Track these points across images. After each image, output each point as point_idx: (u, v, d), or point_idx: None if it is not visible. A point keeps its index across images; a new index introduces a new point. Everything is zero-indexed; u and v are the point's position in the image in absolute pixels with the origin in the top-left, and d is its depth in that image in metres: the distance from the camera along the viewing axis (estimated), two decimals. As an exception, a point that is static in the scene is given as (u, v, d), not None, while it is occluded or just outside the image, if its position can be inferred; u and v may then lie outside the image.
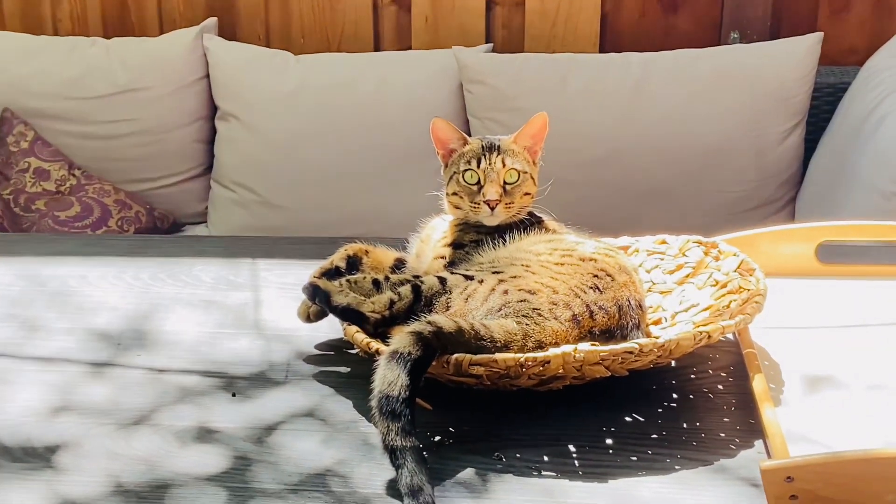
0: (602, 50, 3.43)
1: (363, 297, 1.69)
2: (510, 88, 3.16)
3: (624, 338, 1.64)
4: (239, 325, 1.90)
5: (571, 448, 1.53)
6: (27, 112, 3.31)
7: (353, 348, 1.71)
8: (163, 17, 3.55)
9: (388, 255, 1.92)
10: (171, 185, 3.35)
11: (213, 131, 3.36)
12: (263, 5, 3.51)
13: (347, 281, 1.75)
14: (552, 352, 1.52)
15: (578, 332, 1.60)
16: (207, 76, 3.33)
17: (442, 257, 1.82)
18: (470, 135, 3.27)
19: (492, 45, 3.33)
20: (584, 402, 1.60)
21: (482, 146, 1.85)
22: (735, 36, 3.37)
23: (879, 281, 1.95)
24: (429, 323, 1.55)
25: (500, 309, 1.60)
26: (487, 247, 1.80)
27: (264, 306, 1.97)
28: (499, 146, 1.84)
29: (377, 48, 3.53)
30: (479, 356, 1.53)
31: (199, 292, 2.02)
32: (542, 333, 1.58)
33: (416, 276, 1.75)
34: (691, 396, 1.65)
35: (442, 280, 1.68)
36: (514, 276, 1.66)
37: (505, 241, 1.80)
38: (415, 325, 1.55)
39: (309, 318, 1.79)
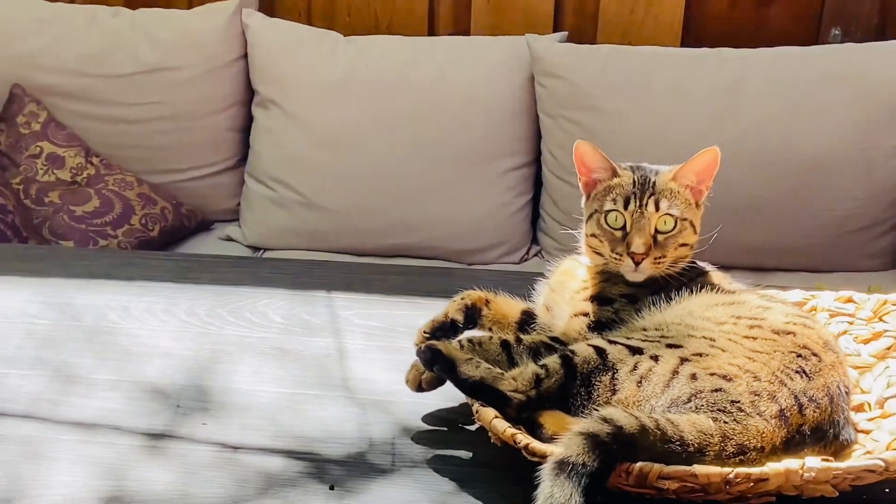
0: (685, 42, 3.06)
1: (499, 372, 1.34)
2: (589, 84, 2.78)
3: (836, 437, 1.30)
4: (324, 384, 1.55)
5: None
6: (39, 89, 2.91)
7: (474, 422, 1.36)
8: (193, -15, 3.17)
9: (511, 306, 1.58)
10: (201, 178, 2.97)
11: (250, 119, 2.98)
12: (306, -23, 3.15)
13: (470, 342, 1.41)
14: (771, 468, 1.17)
15: (786, 431, 1.25)
16: (245, 57, 2.94)
17: (584, 314, 1.47)
18: (541, 134, 2.99)
19: (566, 33, 2.96)
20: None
21: (634, 181, 1.51)
22: (836, 33, 3.01)
23: None
24: (604, 421, 1.20)
25: (690, 400, 1.25)
26: (644, 305, 1.46)
27: (351, 358, 1.61)
28: (654, 183, 1.50)
29: (432, 30, 3.15)
30: (671, 468, 1.18)
31: (270, 336, 1.66)
32: (745, 434, 1.23)
33: (558, 341, 1.42)
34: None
35: (600, 352, 1.33)
36: (699, 354, 1.30)
37: (667, 298, 1.45)
38: (587, 425, 1.20)
39: (420, 388, 1.44)
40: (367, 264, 1.89)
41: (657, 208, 1.48)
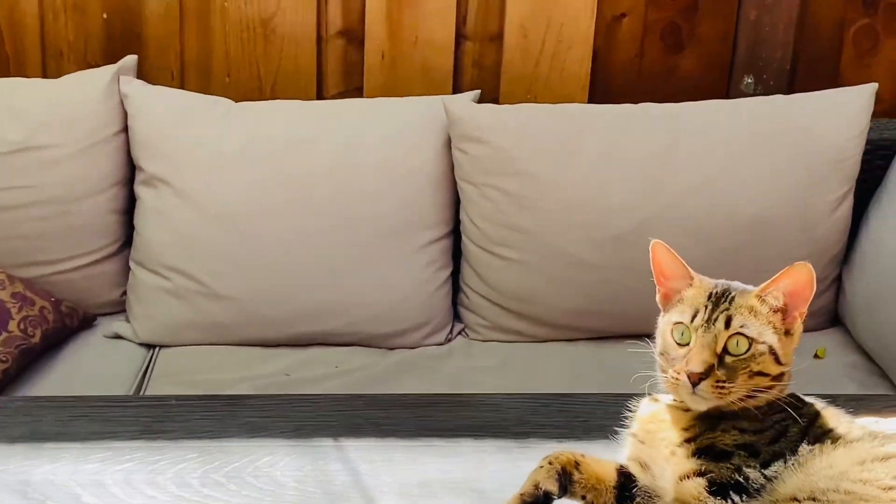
0: (593, 95, 2.88)
1: None
2: (513, 147, 2.56)
3: None
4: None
5: None
6: None
7: None
8: (46, 48, 2.80)
9: (604, 467, 1.35)
10: (80, 269, 2.59)
11: (132, 200, 2.64)
12: (178, 33, 2.81)
13: None
14: None
15: None
16: (125, 130, 2.60)
17: (697, 474, 1.25)
18: (458, 203, 2.75)
19: (478, 92, 2.73)
20: None
21: (710, 294, 1.34)
22: (749, 81, 2.89)
23: None
24: None
25: None
26: (767, 459, 1.25)
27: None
28: (732, 298, 1.33)
29: (321, 91, 2.87)
30: None
31: (290, 509, 1.37)
32: None
33: None
34: None
35: None
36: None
37: (791, 450, 1.25)
38: None
39: None
40: (363, 396, 1.61)
41: (727, 326, 1.30)
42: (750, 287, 1.35)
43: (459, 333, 2.68)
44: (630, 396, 1.41)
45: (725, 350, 1.29)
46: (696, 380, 1.28)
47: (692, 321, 1.31)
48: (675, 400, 1.34)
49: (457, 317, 2.71)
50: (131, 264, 2.62)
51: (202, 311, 2.55)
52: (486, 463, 1.47)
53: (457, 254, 2.69)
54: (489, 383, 2.44)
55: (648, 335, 2.61)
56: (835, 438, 1.27)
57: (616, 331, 2.62)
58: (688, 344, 1.31)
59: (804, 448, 1.26)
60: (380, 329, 2.59)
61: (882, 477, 1.19)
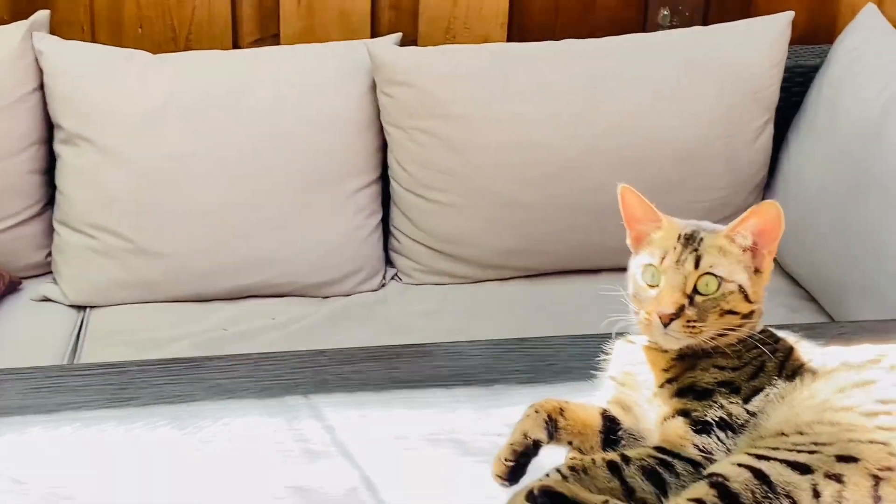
0: (511, 34, 2.88)
1: None
2: (440, 90, 2.55)
3: None
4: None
5: None
6: None
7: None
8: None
9: (588, 413, 1.36)
10: (2, 232, 2.53)
11: (52, 159, 2.57)
12: (86, -15, 2.74)
13: (574, 471, 1.20)
14: None
15: None
16: (41, 88, 2.53)
17: (680, 413, 1.27)
18: (386, 148, 2.73)
19: (400, 35, 2.70)
20: None
21: (679, 235, 1.35)
22: (665, 13, 2.91)
23: None
24: None
25: None
26: (748, 393, 1.28)
27: (384, 489, 1.35)
28: (701, 239, 1.33)
29: (236, 39, 2.82)
30: None
31: (271, 472, 1.37)
32: None
33: (667, 452, 1.23)
34: None
35: (758, 474, 1.13)
36: (890, 469, 1.13)
37: (770, 384, 1.28)
38: None
39: None
40: (325, 352, 1.60)
41: (697, 266, 1.30)
42: (719, 227, 1.36)
43: (393, 278, 2.68)
44: (595, 338, 1.42)
45: (696, 290, 1.30)
46: (667, 320, 1.28)
47: (661, 262, 1.32)
48: (650, 341, 1.35)
49: (389, 262, 2.70)
50: (55, 225, 2.57)
51: (132, 269, 2.51)
52: (459, 413, 1.48)
53: (386, 199, 2.68)
54: (428, 327, 2.45)
55: (584, 271, 2.65)
56: (812, 371, 1.30)
57: (549, 268, 2.65)
58: (658, 285, 1.31)
59: (781, 383, 1.28)
60: (313, 278, 2.58)
61: (863, 402, 1.22)
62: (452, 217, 2.59)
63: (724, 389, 1.28)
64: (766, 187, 2.76)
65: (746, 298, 1.31)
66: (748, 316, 1.32)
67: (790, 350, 1.34)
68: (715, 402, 1.26)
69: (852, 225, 2.43)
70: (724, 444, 1.23)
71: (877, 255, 2.35)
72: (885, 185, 2.35)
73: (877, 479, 1.11)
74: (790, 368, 1.30)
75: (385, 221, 2.69)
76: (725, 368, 1.29)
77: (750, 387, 1.28)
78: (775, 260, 1.36)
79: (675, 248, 1.32)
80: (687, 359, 1.32)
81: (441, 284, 2.64)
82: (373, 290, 2.63)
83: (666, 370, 1.32)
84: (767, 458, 1.14)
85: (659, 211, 1.38)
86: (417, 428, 1.44)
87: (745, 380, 1.29)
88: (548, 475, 1.18)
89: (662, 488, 1.18)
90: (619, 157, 2.58)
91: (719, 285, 1.30)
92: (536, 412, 1.30)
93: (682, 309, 1.29)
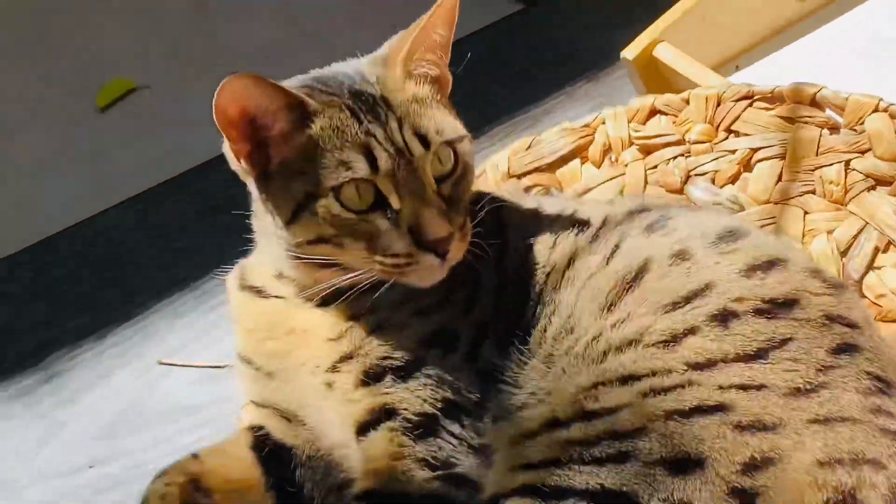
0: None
1: None
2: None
3: None
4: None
5: None
6: None
7: None
8: None
9: (238, 463, 1.02)
10: None
11: None
12: None
13: None
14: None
15: None
16: None
17: (383, 416, 0.92)
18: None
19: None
20: None
21: (350, 109, 0.90)
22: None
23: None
24: None
25: None
26: (471, 334, 0.97)
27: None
28: (384, 100, 0.92)
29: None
30: None
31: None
32: None
33: (375, 496, 0.90)
34: None
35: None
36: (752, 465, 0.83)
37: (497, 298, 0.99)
38: None
39: None
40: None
41: (426, 144, 0.91)
42: (363, 59, 0.95)
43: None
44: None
45: (436, 179, 0.90)
46: (445, 249, 0.89)
47: (375, 169, 0.87)
48: (301, 294, 0.94)
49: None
50: None
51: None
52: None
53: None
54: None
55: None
56: (555, 269, 0.99)
57: None
58: (378, 204, 0.88)
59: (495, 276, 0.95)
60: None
61: (644, 317, 0.91)
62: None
63: (436, 351, 0.91)
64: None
65: (469, 141, 0.97)
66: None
67: (501, 207, 1.02)
68: (423, 375, 0.89)
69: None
70: (465, 438, 0.90)
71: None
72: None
73: (743, 494, 0.77)
74: (527, 268, 0.99)
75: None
76: (431, 310, 0.91)
77: (470, 323, 0.93)
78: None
79: (374, 137, 0.88)
80: (365, 317, 0.92)
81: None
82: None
83: (337, 339, 0.93)
84: (557, 489, 0.79)
85: (288, 87, 0.92)
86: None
87: (461, 314, 0.93)
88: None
89: None
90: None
91: (454, 154, 0.92)
92: (163, 499, 0.95)
93: (450, 221, 0.89)
